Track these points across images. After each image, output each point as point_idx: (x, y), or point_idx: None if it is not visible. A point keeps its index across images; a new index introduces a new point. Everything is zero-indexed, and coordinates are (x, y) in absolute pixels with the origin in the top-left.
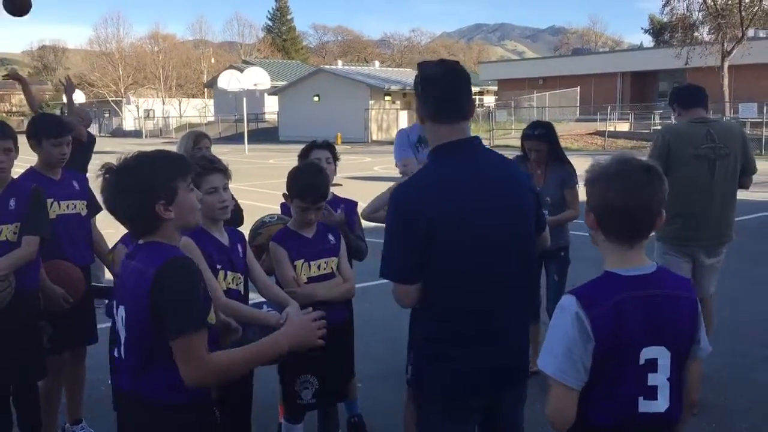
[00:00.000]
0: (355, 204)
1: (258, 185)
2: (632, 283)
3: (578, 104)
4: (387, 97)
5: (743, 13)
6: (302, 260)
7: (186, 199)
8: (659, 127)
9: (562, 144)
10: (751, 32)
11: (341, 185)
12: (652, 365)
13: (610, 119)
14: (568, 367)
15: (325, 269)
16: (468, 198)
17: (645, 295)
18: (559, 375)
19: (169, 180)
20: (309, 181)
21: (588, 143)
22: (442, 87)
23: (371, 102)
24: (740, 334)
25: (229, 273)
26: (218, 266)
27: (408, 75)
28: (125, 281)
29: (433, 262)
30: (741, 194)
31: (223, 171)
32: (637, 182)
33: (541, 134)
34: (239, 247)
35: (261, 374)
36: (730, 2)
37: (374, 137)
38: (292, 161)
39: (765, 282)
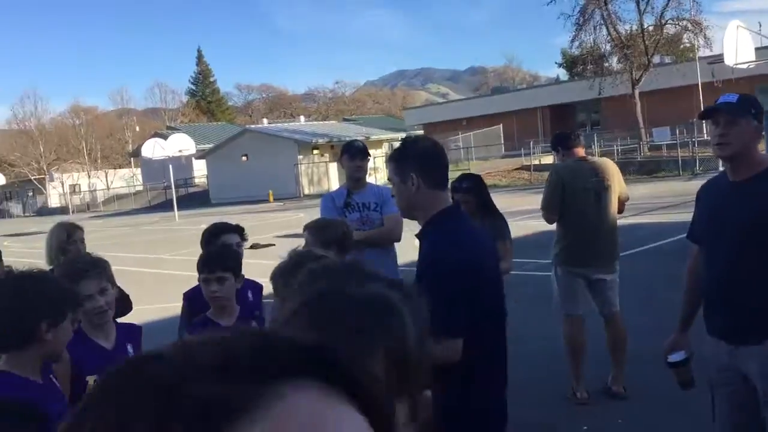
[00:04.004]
0: (261, 287)
1: (193, 252)
2: None
3: (502, 141)
4: (315, 151)
5: (647, 42)
6: None
7: (66, 329)
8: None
9: (491, 182)
10: (657, 59)
11: (274, 245)
12: None
13: (534, 153)
14: None
15: None
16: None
17: None
18: None
19: (61, 303)
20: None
21: (516, 178)
22: (444, 160)
23: (300, 157)
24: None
25: None
26: (88, 377)
27: (334, 127)
28: None
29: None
30: (661, 217)
31: (97, 276)
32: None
33: (468, 187)
34: (129, 348)
35: None
36: (633, 32)
37: (306, 191)
38: None
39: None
